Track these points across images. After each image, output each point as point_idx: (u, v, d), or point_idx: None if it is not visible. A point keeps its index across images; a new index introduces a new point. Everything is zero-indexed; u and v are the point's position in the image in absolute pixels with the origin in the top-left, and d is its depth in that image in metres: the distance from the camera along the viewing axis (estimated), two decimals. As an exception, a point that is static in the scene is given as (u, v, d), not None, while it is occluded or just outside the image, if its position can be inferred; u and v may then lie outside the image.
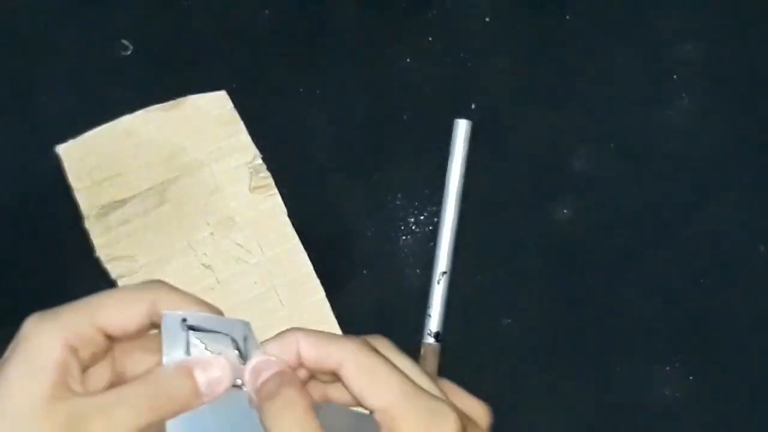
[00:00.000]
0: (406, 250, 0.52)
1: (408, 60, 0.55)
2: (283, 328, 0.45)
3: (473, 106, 0.54)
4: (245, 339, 0.39)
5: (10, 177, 0.53)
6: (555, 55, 0.56)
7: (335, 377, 0.35)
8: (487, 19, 0.56)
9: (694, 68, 0.55)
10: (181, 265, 0.50)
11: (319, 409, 0.35)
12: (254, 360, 0.37)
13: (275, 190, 0.51)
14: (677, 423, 0.50)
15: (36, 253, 0.51)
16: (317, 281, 0.50)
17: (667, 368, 0.51)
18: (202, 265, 0.50)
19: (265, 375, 0.36)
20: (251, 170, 0.51)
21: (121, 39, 0.54)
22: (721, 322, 0.51)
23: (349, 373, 0.35)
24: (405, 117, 0.54)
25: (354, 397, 0.35)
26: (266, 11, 0.56)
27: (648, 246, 0.52)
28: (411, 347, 0.50)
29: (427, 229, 0.52)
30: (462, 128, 0.53)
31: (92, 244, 0.49)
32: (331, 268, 0.51)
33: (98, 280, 0.49)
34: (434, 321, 0.50)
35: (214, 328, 0.40)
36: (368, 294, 0.51)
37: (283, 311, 0.50)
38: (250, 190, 0.51)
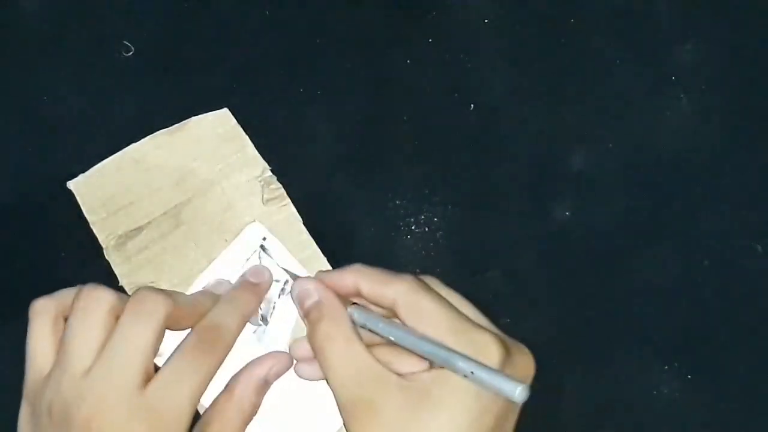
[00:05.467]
0: (406, 250, 0.52)
1: (408, 61, 0.55)
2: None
3: (473, 107, 0.54)
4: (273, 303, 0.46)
5: (12, 177, 0.53)
6: (554, 55, 0.56)
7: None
8: (487, 20, 0.56)
9: (693, 68, 0.55)
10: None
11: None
12: (296, 286, 0.41)
13: (288, 200, 0.52)
14: (676, 422, 0.50)
15: (36, 253, 0.52)
16: None
17: (666, 367, 0.51)
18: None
19: (308, 303, 0.40)
20: (262, 183, 0.52)
21: (123, 40, 0.55)
22: (720, 322, 0.52)
23: (400, 311, 0.38)
24: (405, 117, 0.54)
25: None
26: (266, 12, 0.56)
27: (647, 246, 0.53)
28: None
29: (427, 229, 0.53)
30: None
31: (115, 273, 0.50)
32: (331, 269, 0.51)
33: (100, 280, 0.49)
34: None
35: (280, 262, 0.47)
36: (368, 294, 0.51)
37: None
38: (263, 202, 0.51)
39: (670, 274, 0.52)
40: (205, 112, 0.53)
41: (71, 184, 0.51)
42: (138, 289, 0.39)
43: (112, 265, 0.50)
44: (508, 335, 0.51)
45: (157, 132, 0.52)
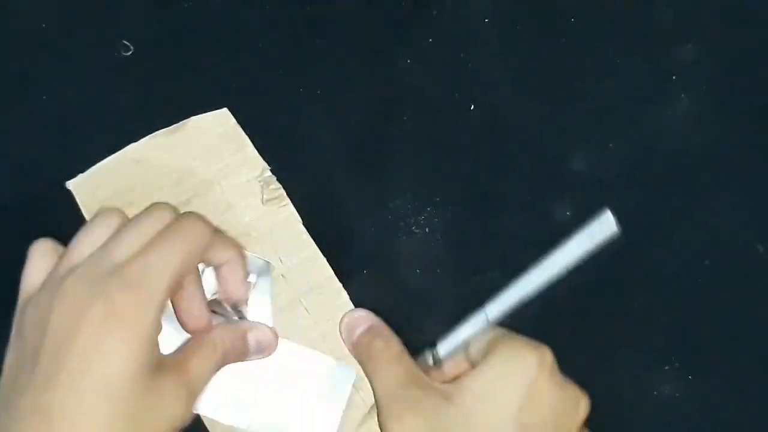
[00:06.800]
0: (406, 250, 0.52)
1: (408, 61, 0.55)
2: (311, 336, 0.48)
3: (473, 107, 0.54)
4: (259, 274, 0.44)
5: (10, 177, 0.53)
6: (555, 55, 0.56)
7: None
8: (487, 20, 0.56)
9: (694, 68, 0.55)
10: None
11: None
12: (346, 318, 0.43)
13: (287, 201, 0.52)
14: (677, 422, 0.50)
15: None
16: (339, 285, 0.50)
17: (667, 367, 0.51)
18: None
19: (359, 330, 0.42)
20: (261, 183, 0.52)
21: (122, 39, 0.55)
22: (720, 322, 0.51)
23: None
24: (405, 117, 0.54)
25: None
26: (266, 11, 0.56)
27: (647, 246, 0.53)
28: (410, 347, 0.50)
29: (427, 229, 0.52)
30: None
31: None
32: (330, 269, 0.51)
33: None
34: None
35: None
36: (368, 294, 0.51)
37: (309, 319, 0.50)
38: (262, 203, 0.51)
39: (671, 274, 0.52)
40: (205, 111, 0.53)
41: (70, 184, 0.51)
42: (187, 213, 0.39)
43: (112, 266, 0.50)
44: (508, 335, 0.51)
45: (157, 132, 0.52)
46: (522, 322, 0.51)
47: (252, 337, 0.43)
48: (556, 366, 0.40)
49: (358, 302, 0.50)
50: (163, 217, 0.38)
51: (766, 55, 0.56)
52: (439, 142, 0.54)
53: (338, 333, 0.49)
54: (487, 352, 0.40)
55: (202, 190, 0.52)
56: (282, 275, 0.50)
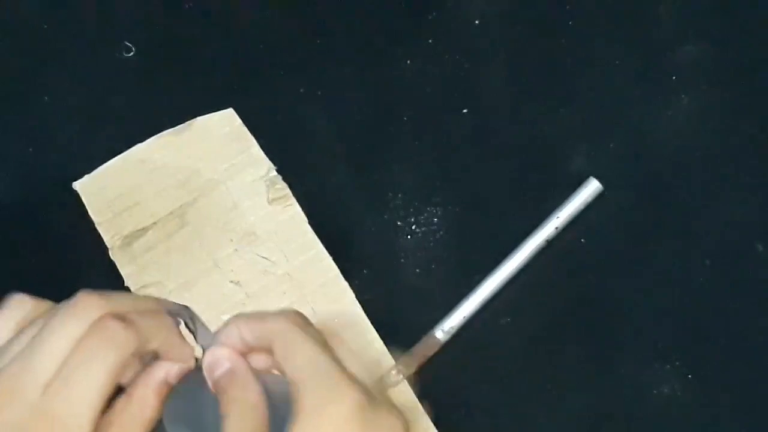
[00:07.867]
0: (406, 250, 0.52)
1: (408, 61, 0.55)
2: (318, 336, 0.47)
3: (472, 107, 0.54)
4: (191, 319, 0.42)
5: (12, 177, 0.54)
6: (554, 55, 0.56)
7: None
8: (487, 21, 0.56)
9: (694, 68, 0.55)
10: (209, 285, 0.50)
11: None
12: (208, 357, 0.40)
13: (293, 200, 0.52)
14: (677, 422, 0.50)
15: (41, 255, 0.52)
16: (345, 284, 0.50)
17: (667, 367, 0.50)
18: (230, 282, 0.50)
19: (218, 372, 0.39)
20: (267, 183, 0.52)
21: (123, 41, 0.55)
22: (721, 322, 0.51)
23: (274, 348, 0.37)
24: (405, 117, 0.54)
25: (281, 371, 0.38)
26: (267, 12, 0.56)
27: (647, 245, 0.52)
28: (410, 347, 0.50)
29: (427, 229, 0.53)
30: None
31: (120, 273, 0.50)
32: (336, 268, 0.51)
33: (105, 280, 0.49)
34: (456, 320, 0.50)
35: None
36: (368, 294, 0.51)
37: (315, 318, 0.49)
38: (268, 202, 0.52)
39: (671, 274, 0.52)
40: (208, 112, 0.53)
41: (77, 185, 0.52)
42: (102, 317, 0.37)
43: (118, 266, 0.50)
44: (508, 335, 0.51)
45: (163, 132, 0.53)
46: (522, 323, 0.51)
47: (174, 374, 0.41)
48: (364, 402, 0.38)
49: (358, 301, 0.50)
50: (89, 317, 0.36)
51: (766, 56, 0.55)
52: (439, 142, 0.54)
53: (345, 330, 0.49)
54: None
55: (208, 190, 0.52)
56: (288, 274, 0.50)
